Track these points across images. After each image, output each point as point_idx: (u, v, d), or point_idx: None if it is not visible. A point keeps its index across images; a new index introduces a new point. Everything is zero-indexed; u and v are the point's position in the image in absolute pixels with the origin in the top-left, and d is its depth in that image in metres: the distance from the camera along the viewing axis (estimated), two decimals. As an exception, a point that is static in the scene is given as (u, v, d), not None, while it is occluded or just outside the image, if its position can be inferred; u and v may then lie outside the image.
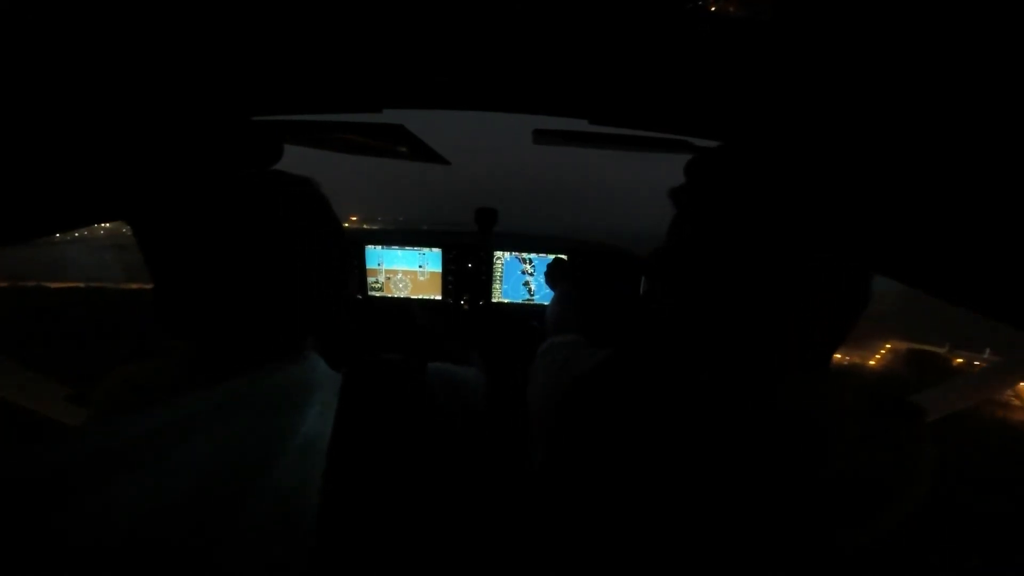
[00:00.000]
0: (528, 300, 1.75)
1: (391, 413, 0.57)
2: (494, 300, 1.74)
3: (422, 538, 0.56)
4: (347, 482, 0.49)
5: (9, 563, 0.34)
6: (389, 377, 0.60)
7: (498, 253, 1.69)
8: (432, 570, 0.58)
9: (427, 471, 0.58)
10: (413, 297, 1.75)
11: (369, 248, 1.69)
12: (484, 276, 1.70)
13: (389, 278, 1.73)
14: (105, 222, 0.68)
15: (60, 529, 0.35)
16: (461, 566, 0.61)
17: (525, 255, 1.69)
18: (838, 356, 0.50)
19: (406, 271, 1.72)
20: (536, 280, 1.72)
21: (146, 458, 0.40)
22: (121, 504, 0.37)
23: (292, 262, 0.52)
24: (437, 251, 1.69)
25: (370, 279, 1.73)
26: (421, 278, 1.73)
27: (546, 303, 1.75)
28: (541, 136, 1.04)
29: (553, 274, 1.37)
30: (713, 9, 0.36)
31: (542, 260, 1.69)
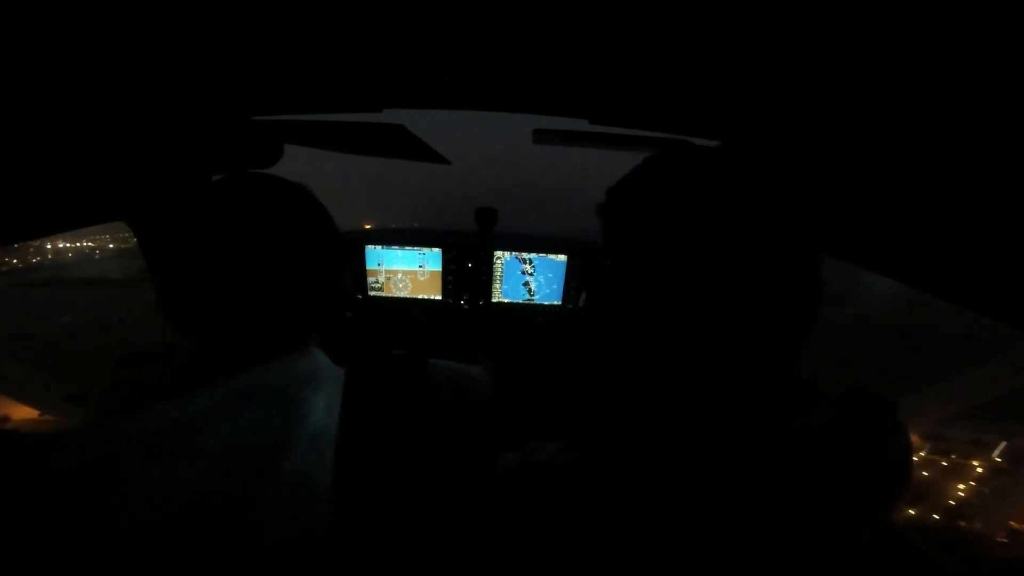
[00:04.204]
0: (528, 300, 1.74)
1: (394, 404, 0.59)
2: (494, 300, 1.74)
3: (427, 521, 0.58)
4: (355, 468, 0.51)
5: (37, 556, 0.34)
6: (392, 370, 0.63)
7: (498, 253, 1.69)
8: (440, 547, 0.59)
9: (429, 460, 0.60)
10: (413, 297, 1.75)
11: (369, 248, 1.69)
12: (484, 276, 1.70)
13: (389, 278, 1.73)
14: (105, 222, 0.68)
15: (86, 521, 0.36)
16: (465, 550, 0.62)
17: (525, 255, 1.69)
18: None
19: (406, 271, 1.72)
20: (536, 280, 1.72)
21: (168, 448, 0.41)
22: (147, 491, 0.39)
23: (290, 261, 0.54)
24: (437, 251, 1.69)
25: (370, 279, 1.73)
26: (421, 278, 1.73)
27: (546, 303, 1.75)
28: (541, 136, 1.04)
29: None
30: (712, 10, 0.36)
31: (542, 260, 1.69)
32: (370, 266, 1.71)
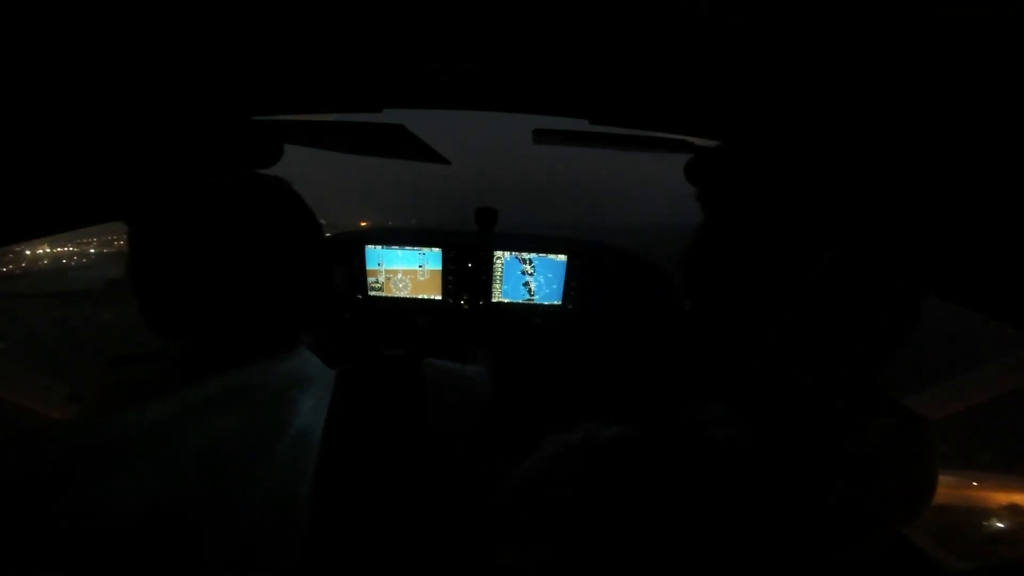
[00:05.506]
0: (528, 300, 1.74)
1: (387, 405, 0.58)
2: (494, 300, 1.74)
3: (412, 528, 0.57)
4: (338, 473, 0.50)
5: (8, 555, 0.34)
6: (385, 371, 0.61)
7: (498, 253, 1.69)
8: (420, 560, 0.58)
9: (422, 464, 0.59)
10: (413, 297, 1.75)
11: (369, 248, 1.69)
12: (484, 276, 1.70)
13: (389, 278, 1.73)
14: (105, 222, 0.68)
15: (58, 521, 0.36)
16: (453, 559, 0.61)
17: (525, 255, 1.69)
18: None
19: (406, 271, 1.72)
20: (536, 280, 1.72)
21: (144, 451, 0.40)
22: (120, 496, 0.38)
23: (270, 258, 0.53)
24: (437, 251, 1.69)
25: (370, 279, 1.73)
26: (421, 278, 1.73)
27: (546, 303, 1.75)
28: (541, 136, 1.04)
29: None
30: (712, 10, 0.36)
31: (542, 260, 1.69)
32: (370, 266, 1.71)
